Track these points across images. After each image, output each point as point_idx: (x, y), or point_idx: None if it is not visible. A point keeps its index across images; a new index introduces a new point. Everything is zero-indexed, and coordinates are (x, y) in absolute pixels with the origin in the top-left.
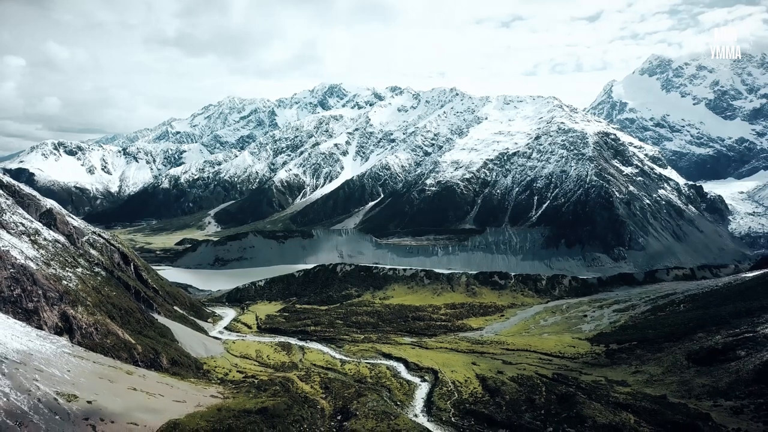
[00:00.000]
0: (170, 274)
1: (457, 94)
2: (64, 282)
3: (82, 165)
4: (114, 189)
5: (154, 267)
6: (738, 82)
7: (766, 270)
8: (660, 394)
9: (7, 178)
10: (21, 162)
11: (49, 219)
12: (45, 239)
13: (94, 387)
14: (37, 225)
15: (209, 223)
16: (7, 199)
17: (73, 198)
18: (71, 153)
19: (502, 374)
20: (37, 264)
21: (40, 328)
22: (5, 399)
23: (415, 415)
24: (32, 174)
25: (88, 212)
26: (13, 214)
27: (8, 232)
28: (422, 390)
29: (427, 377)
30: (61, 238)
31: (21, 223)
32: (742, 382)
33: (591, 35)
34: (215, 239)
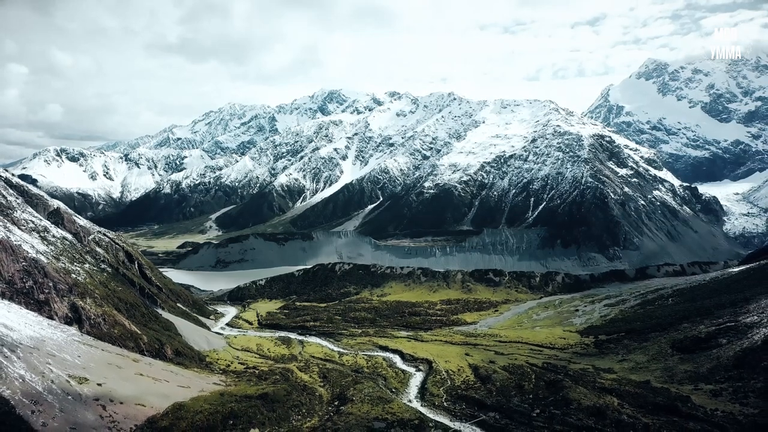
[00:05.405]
0: (173, 275)
1: (455, 99)
2: (73, 275)
3: (84, 171)
4: (116, 195)
5: None
6: (733, 85)
7: (751, 265)
8: (644, 380)
9: (16, 179)
10: (24, 168)
11: (56, 218)
12: (54, 236)
13: (103, 372)
14: (46, 223)
15: (210, 227)
16: (17, 198)
17: (75, 203)
18: (73, 159)
19: (494, 364)
20: (48, 258)
21: (51, 317)
22: (21, 380)
23: (409, 401)
24: (35, 180)
25: (90, 218)
26: (23, 212)
27: (19, 228)
28: (417, 378)
29: (421, 367)
30: (69, 236)
31: (31, 220)
32: (722, 367)
33: (593, 40)
34: (216, 242)
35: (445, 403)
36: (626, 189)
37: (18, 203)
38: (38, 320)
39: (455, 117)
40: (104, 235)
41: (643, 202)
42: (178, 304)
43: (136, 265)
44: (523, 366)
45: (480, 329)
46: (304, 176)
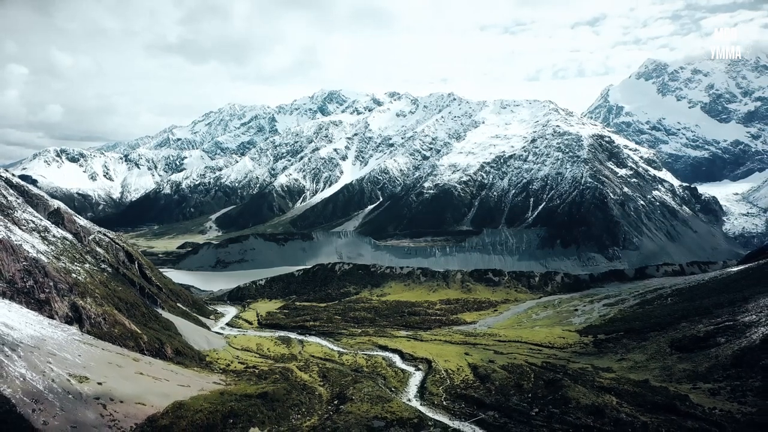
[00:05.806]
0: (173, 275)
1: (454, 99)
2: (74, 275)
3: (84, 172)
4: (116, 195)
5: None
6: (733, 85)
7: (750, 265)
8: (642, 379)
9: (16, 179)
10: (24, 169)
11: (57, 218)
12: (54, 236)
13: (103, 371)
14: (46, 223)
15: (210, 227)
16: (17, 198)
17: (75, 204)
18: (73, 160)
19: (493, 363)
20: (48, 258)
21: (51, 317)
22: (22, 379)
23: (409, 400)
24: (35, 181)
25: (90, 218)
26: (23, 212)
27: (20, 228)
28: (416, 378)
29: (421, 366)
30: (69, 236)
31: (31, 220)
32: (720, 366)
33: (593, 40)
34: (216, 242)
35: (444, 402)
36: (626, 189)
37: (18, 203)
38: (39, 319)
39: (455, 117)
40: (104, 235)
41: (642, 202)
42: (178, 304)
43: (136, 265)
44: (522, 365)
45: (479, 329)
46: (304, 176)
